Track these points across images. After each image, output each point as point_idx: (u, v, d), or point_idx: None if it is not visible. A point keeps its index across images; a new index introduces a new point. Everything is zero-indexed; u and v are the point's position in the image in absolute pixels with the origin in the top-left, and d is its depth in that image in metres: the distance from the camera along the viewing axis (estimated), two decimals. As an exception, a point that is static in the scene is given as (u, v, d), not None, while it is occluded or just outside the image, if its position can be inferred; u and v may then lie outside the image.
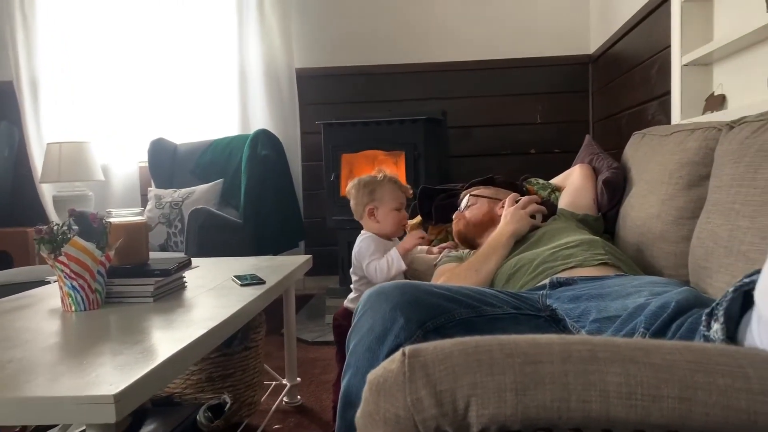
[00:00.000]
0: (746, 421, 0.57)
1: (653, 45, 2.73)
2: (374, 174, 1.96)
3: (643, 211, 1.75)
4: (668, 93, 2.43)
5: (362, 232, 1.94)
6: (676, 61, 2.29)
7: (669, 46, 2.39)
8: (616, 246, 1.84)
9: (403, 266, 1.85)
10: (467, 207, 1.97)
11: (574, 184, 2.04)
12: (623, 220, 1.89)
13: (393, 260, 1.84)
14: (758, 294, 0.60)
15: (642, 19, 2.86)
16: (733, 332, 0.68)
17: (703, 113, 2.17)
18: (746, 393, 0.57)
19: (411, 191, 1.98)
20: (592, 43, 3.92)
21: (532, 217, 1.84)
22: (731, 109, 2.04)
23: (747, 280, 0.65)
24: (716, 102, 2.11)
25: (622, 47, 3.26)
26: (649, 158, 1.87)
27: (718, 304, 0.69)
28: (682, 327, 0.90)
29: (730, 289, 0.67)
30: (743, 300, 0.67)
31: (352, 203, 1.96)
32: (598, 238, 1.68)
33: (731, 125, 1.45)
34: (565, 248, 1.56)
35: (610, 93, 3.55)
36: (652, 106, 2.79)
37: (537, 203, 1.89)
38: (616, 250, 1.64)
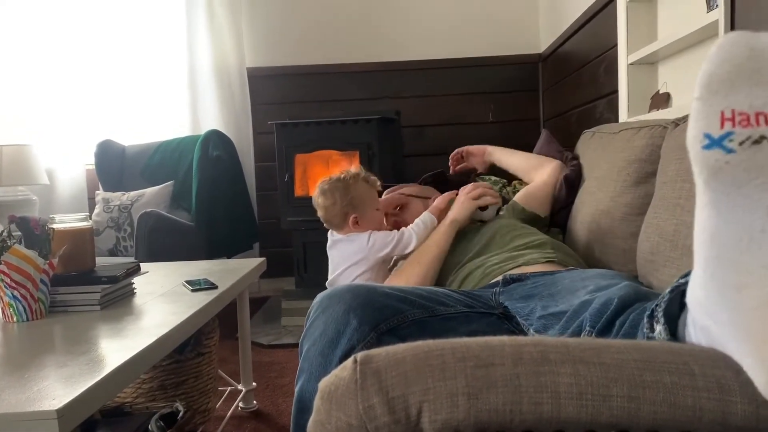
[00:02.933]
0: (692, 418, 0.58)
1: (600, 44, 2.78)
2: (341, 175, 1.81)
3: (593, 207, 1.78)
4: (615, 91, 2.48)
5: (343, 234, 1.80)
6: (623, 60, 2.34)
7: (615, 45, 2.44)
8: (567, 242, 1.87)
9: (435, 221, 1.79)
10: (401, 208, 1.96)
11: (542, 178, 2.02)
12: (574, 216, 1.92)
13: (426, 218, 1.78)
14: (689, 300, 0.61)
15: (589, 19, 2.91)
16: (675, 330, 0.69)
17: (649, 111, 2.22)
18: (692, 390, 0.58)
19: (379, 183, 1.87)
20: (542, 43, 3.98)
21: (484, 209, 1.84)
22: (676, 106, 2.09)
23: (682, 280, 0.66)
24: (661, 100, 2.16)
25: (571, 46, 3.32)
26: (599, 156, 1.90)
27: (657, 305, 0.70)
28: (625, 323, 0.92)
29: (667, 290, 0.68)
30: (681, 299, 0.69)
31: (326, 212, 1.80)
32: (546, 237, 1.69)
33: (676, 123, 1.49)
34: (515, 250, 1.58)
35: (560, 92, 3.61)
36: (600, 105, 2.84)
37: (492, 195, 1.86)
38: (563, 247, 1.66)
